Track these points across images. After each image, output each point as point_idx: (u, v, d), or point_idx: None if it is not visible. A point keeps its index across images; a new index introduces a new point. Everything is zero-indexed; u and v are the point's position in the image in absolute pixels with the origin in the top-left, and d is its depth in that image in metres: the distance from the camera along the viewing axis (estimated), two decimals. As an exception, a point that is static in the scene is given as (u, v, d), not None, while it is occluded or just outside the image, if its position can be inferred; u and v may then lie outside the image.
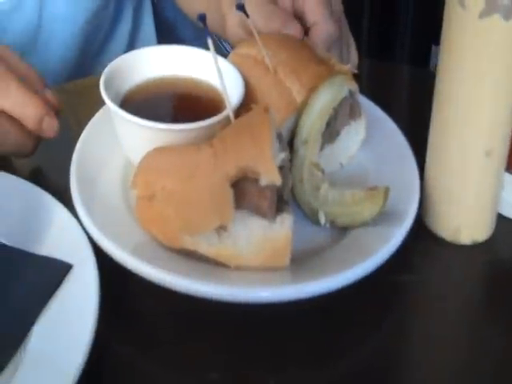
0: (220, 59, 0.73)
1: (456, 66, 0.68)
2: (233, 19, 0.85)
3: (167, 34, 1.22)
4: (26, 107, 0.74)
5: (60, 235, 0.67)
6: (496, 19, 0.64)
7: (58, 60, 1.04)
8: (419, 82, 0.99)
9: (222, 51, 1.10)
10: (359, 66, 0.91)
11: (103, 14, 1.07)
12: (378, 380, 0.63)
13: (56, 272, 0.64)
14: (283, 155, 0.66)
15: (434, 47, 1.65)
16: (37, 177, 0.73)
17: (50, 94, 0.78)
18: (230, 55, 0.78)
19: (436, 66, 0.71)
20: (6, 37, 0.99)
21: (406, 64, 1.66)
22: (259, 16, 0.80)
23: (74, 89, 0.94)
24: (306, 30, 0.82)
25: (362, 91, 0.79)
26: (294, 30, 0.80)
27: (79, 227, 0.67)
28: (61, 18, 1.02)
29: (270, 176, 0.63)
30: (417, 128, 0.76)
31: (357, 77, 0.77)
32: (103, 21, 1.08)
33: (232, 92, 0.71)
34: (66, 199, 0.69)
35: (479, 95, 0.68)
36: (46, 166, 0.76)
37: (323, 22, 0.82)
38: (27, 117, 0.74)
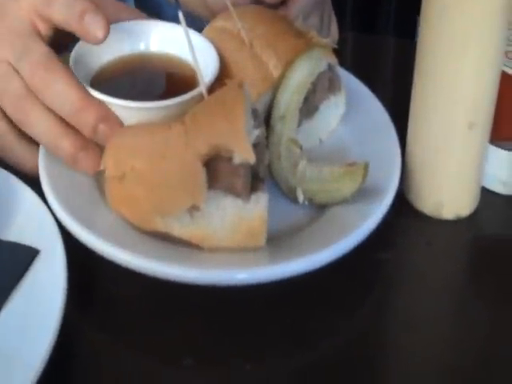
0: (193, 34, 0.71)
1: (436, 37, 0.67)
2: None
3: (150, 12, 1.19)
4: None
5: (26, 219, 0.64)
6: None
7: None
8: (404, 55, 0.96)
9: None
10: (342, 40, 0.90)
11: None
12: (360, 360, 0.61)
13: (22, 258, 0.61)
14: (258, 132, 0.63)
15: (418, 18, 1.62)
16: (3, 159, 0.70)
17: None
18: (206, 29, 0.77)
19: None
20: None
21: (392, 36, 1.63)
22: None
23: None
24: None
25: (346, 65, 0.77)
26: None
27: (47, 211, 0.64)
28: None
29: (243, 154, 0.61)
30: (400, 102, 0.74)
31: (337, 50, 0.75)
32: None
33: (205, 67, 0.69)
34: (33, 181, 0.67)
35: (461, 67, 0.66)
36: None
37: None
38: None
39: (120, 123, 0.67)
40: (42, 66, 0.67)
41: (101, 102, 0.67)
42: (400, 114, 0.75)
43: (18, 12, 0.69)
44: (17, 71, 0.68)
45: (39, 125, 0.67)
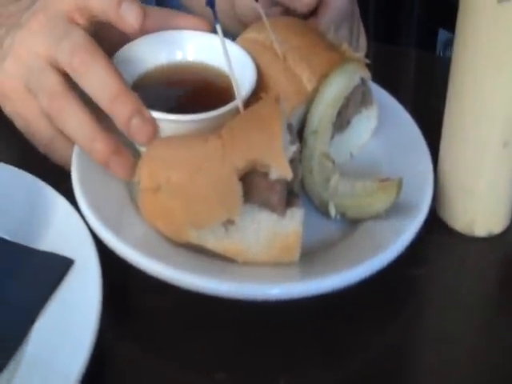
0: (230, 45, 0.71)
1: (472, 55, 0.66)
2: (242, 2, 0.82)
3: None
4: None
5: (61, 229, 0.64)
6: (515, 4, 0.62)
7: None
8: (425, 67, 0.97)
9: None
10: (367, 52, 0.89)
11: None
12: (392, 377, 0.61)
13: (57, 268, 0.62)
14: (294, 148, 0.63)
15: (441, 30, 1.62)
16: (38, 169, 0.70)
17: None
18: (237, 40, 0.76)
19: (442, 48, 0.69)
20: None
21: (413, 47, 1.63)
22: None
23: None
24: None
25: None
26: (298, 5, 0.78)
27: (81, 221, 0.64)
28: None
29: (280, 170, 0.61)
30: (423, 114, 0.74)
31: (368, 64, 0.75)
32: None
33: (243, 80, 0.69)
34: (67, 192, 0.67)
35: (496, 85, 0.66)
36: (48, 158, 0.73)
37: None
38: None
39: (153, 123, 0.66)
40: (82, 48, 0.67)
41: (137, 96, 0.66)
42: (421, 126, 0.75)
43: (58, 5, 0.70)
44: (55, 64, 0.68)
45: (73, 122, 0.67)
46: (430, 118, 0.72)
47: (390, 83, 0.81)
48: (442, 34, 1.58)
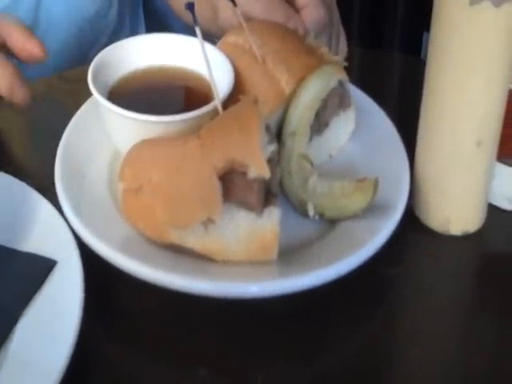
0: (209, 47, 0.72)
1: (446, 55, 0.67)
2: (225, 7, 0.83)
3: (157, 27, 1.21)
4: None
5: (44, 231, 0.66)
6: (486, 6, 0.63)
7: (53, 62, 1.03)
8: (410, 71, 0.98)
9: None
10: (349, 55, 0.91)
11: (104, 21, 1.06)
12: (368, 374, 0.62)
13: (40, 269, 0.63)
14: (272, 147, 0.65)
15: (425, 34, 1.63)
16: (21, 172, 0.71)
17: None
18: (218, 44, 0.77)
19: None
20: None
21: (398, 52, 1.64)
22: (260, 9, 0.79)
23: (75, 77, 0.93)
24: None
25: (352, 80, 0.78)
26: (298, 25, 0.79)
27: (63, 222, 0.66)
28: (56, 21, 1.00)
29: (258, 169, 0.62)
30: (407, 118, 0.75)
31: (347, 67, 0.76)
32: (104, 28, 1.07)
33: (221, 82, 0.70)
34: (50, 194, 0.68)
35: (470, 85, 0.67)
36: (30, 160, 0.75)
37: (313, 6, 0.81)
38: None
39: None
40: None
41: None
42: (405, 129, 0.76)
43: None
44: None
45: None
46: (414, 120, 0.74)
47: (374, 87, 0.83)
48: (427, 38, 1.59)
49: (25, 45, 0.76)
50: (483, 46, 0.65)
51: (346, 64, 0.76)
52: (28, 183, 0.70)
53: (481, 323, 0.67)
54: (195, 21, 0.66)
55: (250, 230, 0.63)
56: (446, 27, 0.66)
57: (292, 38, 0.77)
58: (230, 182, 0.63)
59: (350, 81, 0.77)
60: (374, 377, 0.63)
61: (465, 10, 0.64)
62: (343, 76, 0.76)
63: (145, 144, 0.67)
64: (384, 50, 1.65)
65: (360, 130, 0.79)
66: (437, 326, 0.66)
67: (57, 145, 0.72)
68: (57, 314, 0.60)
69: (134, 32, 1.14)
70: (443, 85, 0.69)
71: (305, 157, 0.71)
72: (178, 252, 0.65)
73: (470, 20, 0.64)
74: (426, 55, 0.70)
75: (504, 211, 0.75)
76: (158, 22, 1.22)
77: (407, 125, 0.75)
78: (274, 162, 0.66)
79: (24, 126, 0.83)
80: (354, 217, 0.69)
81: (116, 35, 1.10)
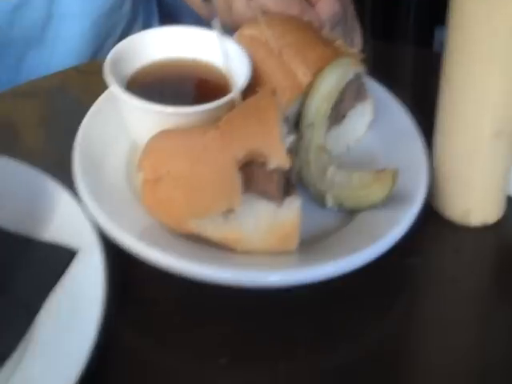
0: (226, 40, 0.72)
1: (464, 46, 0.67)
2: (239, 0, 0.84)
3: (170, 19, 1.21)
4: None
5: (64, 221, 0.66)
6: (505, -2, 0.63)
7: (68, 55, 1.03)
8: (423, 63, 0.98)
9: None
10: (364, 48, 0.91)
11: (118, 14, 1.07)
12: (387, 364, 0.63)
13: (61, 258, 0.63)
14: (291, 138, 0.65)
15: (437, 27, 1.63)
16: (40, 162, 0.71)
17: None
18: (234, 36, 0.77)
19: (440, 46, 0.70)
20: (12, 31, 0.98)
21: (410, 45, 1.64)
22: (275, 2, 0.80)
23: (91, 69, 0.92)
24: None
25: (367, 72, 0.78)
26: (313, 18, 0.80)
27: (83, 212, 0.66)
28: (71, 14, 1.01)
29: (278, 159, 0.62)
30: (422, 109, 0.75)
31: (362, 59, 0.76)
32: (119, 21, 1.07)
33: (238, 74, 0.70)
34: (69, 184, 0.68)
35: (488, 76, 0.67)
36: (48, 152, 0.75)
37: None
38: None
39: None
40: None
41: None
42: (421, 120, 0.76)
43: None
44: None
45: None
46: (428, 111, 0.73)
47: (387, 79, 0.82)
48: (439, 31, 1.59)
49: None
50: (501, 36, 0.65)
51: (362, 56, 0.76)
52: (47, 175, 0.70)
53: (500, 313, 0.67)
54: (214, 12, 0.67)
55: (270, 221, 0.63)
56: (463, 18, 0.66)
57: (308, 31, 0.77)
58: (250, 173, 0.63)
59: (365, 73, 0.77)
60: (395, 365, 0.63)
61: (483, 1, 0.64)
62: (360, 68, 0.76)
63: (163, 135, 0.67)
64: (396, 43, 1.65)
65: (377, 122, 0.78)
66: (457, 316, 0.66)
67: (74, 137, 0.72)
68: (78, 304, 0.60)
69: (147, 25, 1.14)
70: (461, 76, 0.68)
71: (323, 148, 0.72)
72: (199, 242, 0.65)
73: (489, 10, 0.64)
74: (438, 48, 0.70)
75: (522, 202, 0.75)
76: (170, 14, 1.23)
77: (421, 115, 0.75)
78: (292, 152, 0.66)
79: (41, 118, 0.83)
80: (373, 207, 0.69)
81: (130, 28, 1.10)
